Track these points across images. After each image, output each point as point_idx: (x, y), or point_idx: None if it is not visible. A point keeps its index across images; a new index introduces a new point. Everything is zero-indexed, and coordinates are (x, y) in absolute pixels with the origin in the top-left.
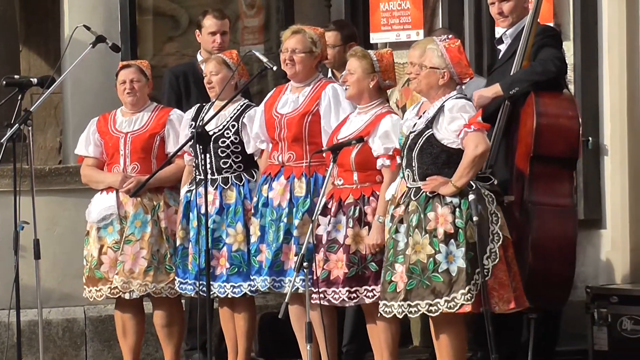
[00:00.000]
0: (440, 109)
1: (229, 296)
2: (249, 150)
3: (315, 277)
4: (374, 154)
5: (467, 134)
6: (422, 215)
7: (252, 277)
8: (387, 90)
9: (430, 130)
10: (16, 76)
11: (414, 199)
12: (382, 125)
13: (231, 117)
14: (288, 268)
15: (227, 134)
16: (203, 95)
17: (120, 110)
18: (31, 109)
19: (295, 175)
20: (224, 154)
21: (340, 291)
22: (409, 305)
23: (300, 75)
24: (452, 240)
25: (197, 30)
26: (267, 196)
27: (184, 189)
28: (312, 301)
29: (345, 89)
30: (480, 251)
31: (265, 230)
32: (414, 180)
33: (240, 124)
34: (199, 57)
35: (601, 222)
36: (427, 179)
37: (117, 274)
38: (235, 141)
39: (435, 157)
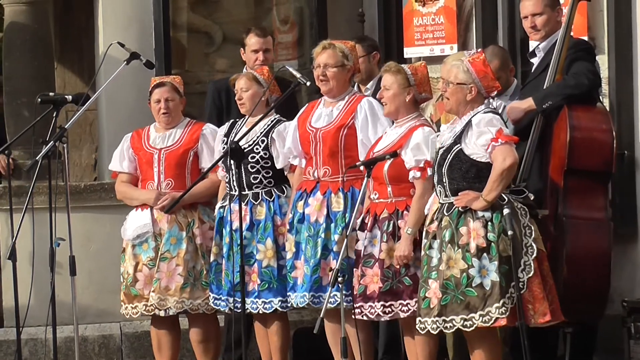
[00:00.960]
0: (468, 123)
1: (260, 312)
2: (279, 166)
3: (355, 292)
4: (406, 167)
5: (494, 147)
6: (454, 231)
7: (287, 294)
8: (422, 104)
9: (459, 145)
10: (51, 93)
11: (446, 214)
12: (414, 137)
13: (261, 133)
14: (326, 284)
15: (257, 149)
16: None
17: (153, 126)
18: (66, 126)
19: (332, 191)
20: (254, 169)
21: (375, 306)
22: (444, 321)
23: (335, 90)
24: (485, 254)
25: (242, 49)
26: (303, 212)
27: (218, 205)
28: (352, 317)
29: (384, 105)
30: (515, 264)
31: (301, 246)
32: (445, 196)
33: (269, 139)
34: None
35: (637, 235)
36: (458, 194)
37: (153, 291)
38: (265, 156)
39: (465, 172)
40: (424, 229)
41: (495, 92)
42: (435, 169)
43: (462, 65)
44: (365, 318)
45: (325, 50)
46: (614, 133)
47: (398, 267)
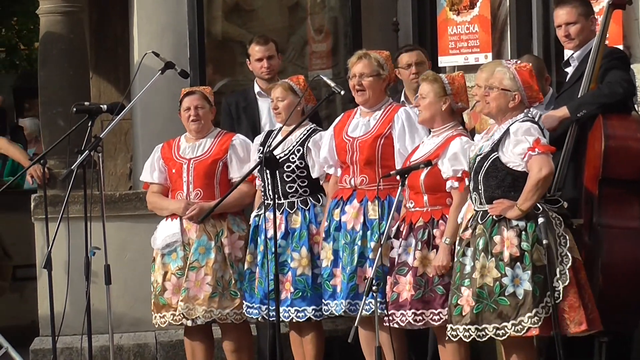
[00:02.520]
0: (506, 132)
1: (294, 320)
2: (314, 175)
3: (387, 300)
4: (443, 176)
5: (531, 157)
6: (488, 239)
7: (325, 302)
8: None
9: (496, 153)
10: (86, 103)
11: (480, 222)
12: (451, 147)
13: (297, 142)
14: (362, 291)
15: (293, 158)
16: (251, 122)
17: (184, 137)
18: (101, 136)
19: (368, 198)
20: (290, 179)
21: (406, 313)
22: (477, 329)
23: (371, 100)
24: (518, 264)
25: (247, 59)
26: (340, 220)
27: (253, 214)
28: (385, 324)
29: (420, 112)
30: (550, 274)
31: (339, 254)
32: (480, 204)
33: (305, 149)
34: (256, 86)
35: None
36: (493, 202)
37: (182, 300)
38: (301, 166)
39: (501, 181)
40: (458, 237)
41: (537, 104)
42: (472, 176)
43: (509, 72)
44: (396, 326)
45: (360, 60)
46: None
47: (432, 275)
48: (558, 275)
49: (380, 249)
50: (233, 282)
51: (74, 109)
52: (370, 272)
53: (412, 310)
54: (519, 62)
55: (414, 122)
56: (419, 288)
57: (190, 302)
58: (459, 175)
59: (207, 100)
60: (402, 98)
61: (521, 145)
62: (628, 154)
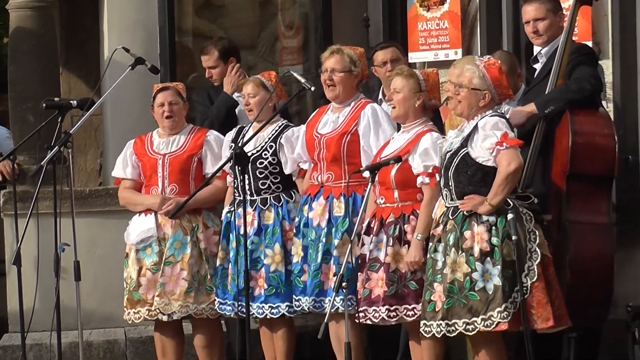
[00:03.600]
0: (475, 127)
1: (267, 317)
2: (287, 171)
3: (358, 296)
4: (413, 172)
5: (499, 151)
6: (459, 234)
7: (296, 298)
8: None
9: (466, 149)
10: (56, 98)
11: (451, 218)
12: (422, 142)
13: (269, 138)
14: (328, 288)
15: (265, 154)
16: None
17: (156, 132)
18: (71, 131)
19: (334, 195)
20: (262, 175)
21: (380, 310)
22: (447, 325)
23: (342, 96)
24: (489, 259)
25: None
26: (308, 216)
27: (224, 210)
28: (356, 321)
29: (393, 108)
30: (519, 269)
31: (308, 250)
32: (451, 200)
33: (277, 145)
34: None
35: None
36: (464, 198)
37: (158, 295)
38: (273, 162)
39: (471, 176)
40: (430, 233)
41: (507, 100)
42: (442, 172)
43: (478, 71)
44: (369, 322)
45: (333, 55)
46: (616, 137)
47: (404, 271)
48: (526, 271)
49: (349, 245)
50: (209, 277)
51: (44, 105)
52: (334, 268)
53: (386, 307)
54: (490, 58)
55: (379, 119)
56: (392, 284)
57: (167, 297)
58: (430, 170)
59: (181, 96)
60: (380, 96)
61: (489, 139)
62: (595, 150)
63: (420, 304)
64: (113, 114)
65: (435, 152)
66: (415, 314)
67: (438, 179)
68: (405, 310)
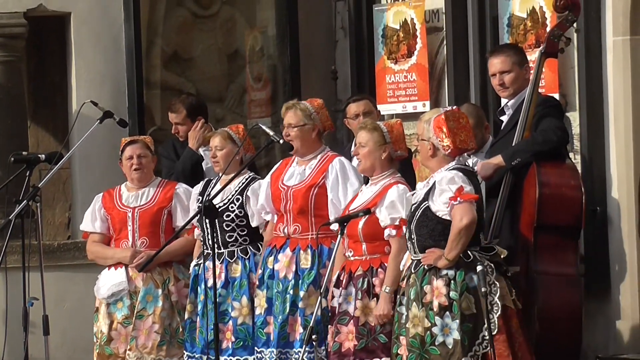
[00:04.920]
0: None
1: None
2: (254, 224)
3: (328, 350)
4: (381, 224)
5: (453, 206)
6: (419, 288)
7: (258, 350)
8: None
9: (427, 202)
10: (24, 152)
11: (413, 271)
12: (388, 195)
13: (236, 191)
14: (294, 340)
15: (232, 207)
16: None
17: (124, 186)
18: (39, 185)
19: (301, 247)
20: (229, 228)
21: None
22: None
23: (302, 149)
24: (447, 313)
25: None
26: (273, 268)
27: (193, 263)
28: None
29: (358, 162)
30: (488, 322)
31: (272, 302)
32: (415, 253)
33: (244, 198)
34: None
35: (610, 291)
36: (425, 251)
37: (130, 349)
38: (240, 214)
39: (432, 230)
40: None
41: (472, 150)
42: (407, 224)
43: (427, 122)
44: None
45: (288, 110)
46: (583, 189)
47: (374, 324)
48: (486, 324)
49: (319, 298)
50: (180, 330)
51: (12, 159)
52: (300, 320)
53: None
54: (447, 109)
55: (347, 173)
56: (362, 337)
57: (139, 350)
58: (397, 223)
59: (149, 149)
60: (353, 147)
61: (445, 194)
62: (562, 201)
63: (390, 358)
64: (81, 167)
65: (402, 204)
66: None
67: (405, 231)
68: None
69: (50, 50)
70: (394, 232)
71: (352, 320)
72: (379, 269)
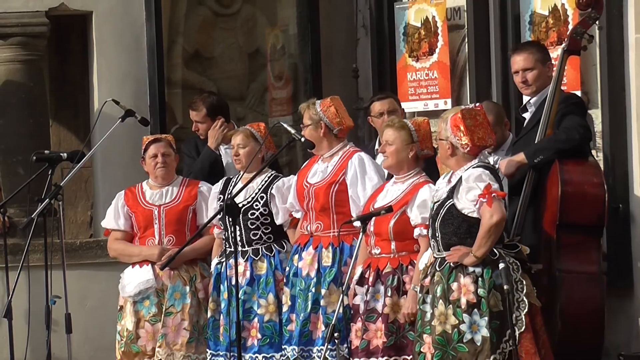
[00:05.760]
0: (460, 178)
1: None
2: (278, 221)
3: (353, 347)
4: (411, 223)
5: (482, 203)
6: (446, 286)
7: (283, 347)
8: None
9: (451, 200)
10: (46, 151)
11: (438, 269)
12: (420, 194)
13: (259, 189)
14: (316, 338)
15: (256, 205)
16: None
17: (146, 184)
18: (61, 184)
19: (323, 245)
20: (254, 226)
21: None
22: None
23: (318, 147)
24: (476, 310)
25: None
26: (297, 266)
27: (214, 262)
28: None
29: (384, 159)
30: (510, 319)
31: (296, 299)
32: (439, 251)
33: (268, 196)
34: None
35: (633, 289)
36: (450, 249)
37: (159, 346)
38: (265, 213)
39: (457, 227)
40: (420, 284)
41: (492, 147)
42: (430, 222)
43: (444, 122)
44: None
45: (305, 111)
46: (605, 186)
47: (402, 322)
48: (514, 322)
49: (341, 295)
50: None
51: (34, 158)
52: (322, 318)
53: (385, 357)
54: (470, 107)
55: (366, 168)
56: (391, 335)
57: (169, 347)
58: (427, 222)
59: (172, 148)
60: (377, 146)
61: (473, 191)
62: (585, 199)
63: None
64: (103, 166)
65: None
66: None
67: None
68: None
69: (72, 49)
70: (424, 231)
71: (380, 318)
72: (409, 267)
